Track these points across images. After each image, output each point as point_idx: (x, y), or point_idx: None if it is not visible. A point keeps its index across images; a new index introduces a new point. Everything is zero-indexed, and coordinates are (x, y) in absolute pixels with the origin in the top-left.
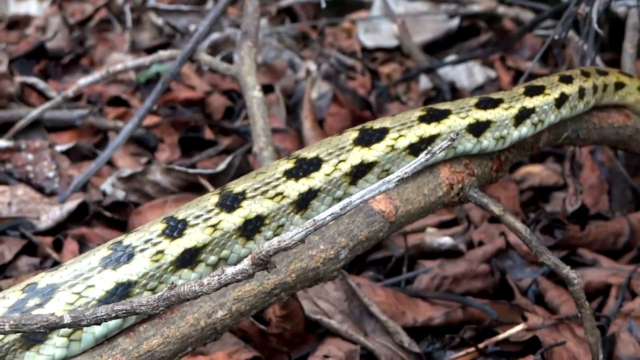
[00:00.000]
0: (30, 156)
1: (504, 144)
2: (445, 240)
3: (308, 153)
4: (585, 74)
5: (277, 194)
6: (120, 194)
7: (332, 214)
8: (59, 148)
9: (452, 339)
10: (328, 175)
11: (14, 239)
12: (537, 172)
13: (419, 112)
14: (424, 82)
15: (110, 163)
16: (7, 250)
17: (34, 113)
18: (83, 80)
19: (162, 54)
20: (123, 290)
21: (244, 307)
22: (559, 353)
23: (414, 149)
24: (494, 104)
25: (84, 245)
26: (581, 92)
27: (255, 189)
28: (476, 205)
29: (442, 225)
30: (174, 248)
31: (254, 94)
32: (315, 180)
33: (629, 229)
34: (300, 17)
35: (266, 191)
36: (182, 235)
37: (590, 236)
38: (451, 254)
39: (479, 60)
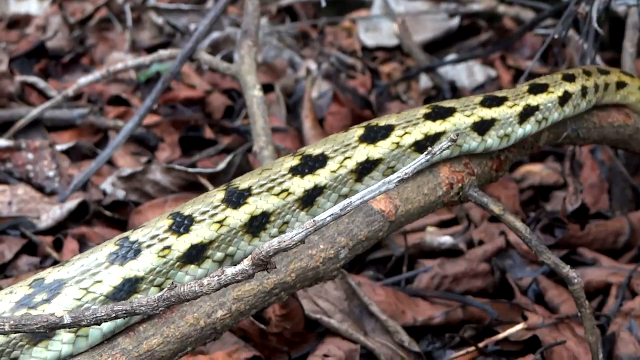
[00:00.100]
0: (30, 155)
1: (509, 142)
2: (445, 239)
3: (313, 150)
4: (587, 73)
5: (282, 191)
6: (121, 193)
7: (332, 214)
8: (59, 147)
9: (452, 338)
10: (334, 172)
11: (14, 238)
12: (537, 171)
13: (424, 110)
14: (424, 81)
15: (111, 162)
16: (7, 250)
17: (34, 112)
18: (83, 80)
19: (162, 53)
20: (130, 287)
21: (243, 307)
22: (559, 352)
23: (420, 146)
24: (499, 101)
25: (84, 245)
26: (584, 91)
27: (261, 186)
28: (476, 205)
29: (442, 225)
30: (181, 244)
31: (254, 93)
32: (321, 177)
33: (629, 228)
34: (300, 16)
35: (272, 188)
36: (188, 231)
37: (590, 235)
38: (451, 253)
39: (479, 59)
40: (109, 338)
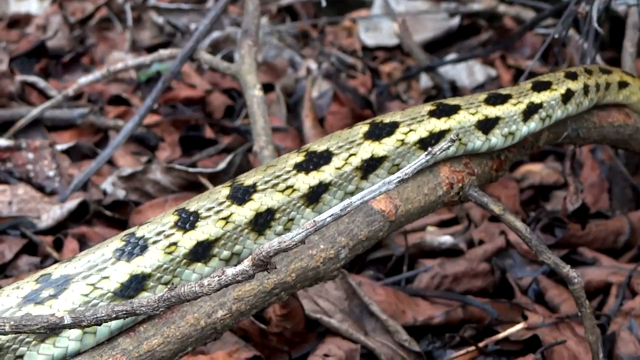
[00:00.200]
0: (30, 155)
1: (514, 140)
2: (445, 239)
3: (318, 146)
4: (589, 72)
5: (287, 187)
6: (121, 193)
7: (332, 214)
8: (59, 147)
9: (452, 337)
10: (338, 168)
11: (14, 238)
12: (537, 171)
13: (429, 107)
14: (425, 80)
15: (111, 162)
16: (8, 250)
17: (35, 112)
18: (83, 79)
19: (163, 52)
20: (138, 284)
21: (244, 307)
22: (559, 352)
23: (425, 144)
24: (503, 99)
25: (84, 245)
26: (586, 89)
27: (266, 182)
28: (476, 205)
29: (443, 224)
30: (187, 241)
31: (254, 93)
32: (326, 173)
33: (629, 227)
34: (300, 16)
35: (277, 184)
36: (194, 228)
37: (590, 235)
38: (451, 252)
39: (479, 58)
40: (110, 338)
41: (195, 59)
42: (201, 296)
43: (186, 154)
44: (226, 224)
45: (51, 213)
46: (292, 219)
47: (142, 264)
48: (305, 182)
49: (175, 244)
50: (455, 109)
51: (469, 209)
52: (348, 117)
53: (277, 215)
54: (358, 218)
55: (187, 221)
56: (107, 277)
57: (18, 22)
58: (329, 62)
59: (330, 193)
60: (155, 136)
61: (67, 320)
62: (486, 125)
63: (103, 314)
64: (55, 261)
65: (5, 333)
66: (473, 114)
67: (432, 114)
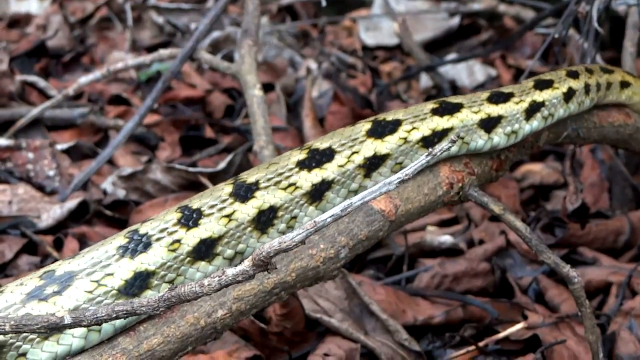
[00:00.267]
0: (30, 155)
1: (517, 139)
2: (445, 238)
3: (320, 144)
4: (589, 71)
5: (289, 185)
6: (121, 193)
7: (332, 215)
8: (59, 147)
9: (453, 337)
10: (341, 166)
11: (14, 237)
12: (537, 171)
13: (431, 105)
14: (425, 80)
15: (111, 162)
16: (8, 249)
17: (35, 112)
18: (84, 79)
19: (163, 52)
20: (142, 281)
21: (244, 306)
22: (559, 351)
23: (427, 142)
24: (505, 97)
25: (84, 244)
26: (587, 88)
27: (268, 180)
28: (476, 204)
29: (443, 224)
30: (190, 238)
31: (254, 93)
32: (328, 171)
33: (629, 227)
34: (300, 16)
35: (279, 182)
36: (197, 225)
37: (590, 234)
38: (451, 252)
39: (479, 58)
40: (110, 338)
41: (196, 58)
42: (201, 296)
43: (186, 154)
44: (229, 221)
45: (51, 213)
46: (295, 217)
47: (146, 261)
48: (307, 179)
49: (178, 241)
50: (457, 107)
51: (469, 209)
52: (348, 117)
53: (280, 213)
54: (358, 218)
55: (190, 218)
56: (111, 274)
57: (18, 21)
58: (329, 62)
59: (334, 191)
60: (155, 136)
61: (68, 320)
62: (489, 124)
63: (103, 314)
64: (56, 260)
65: (5, 333)
66: (476, 113)
67: (434, 112)
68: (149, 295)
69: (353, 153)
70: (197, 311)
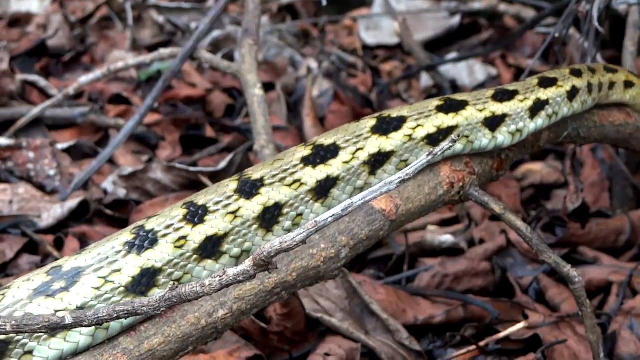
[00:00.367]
0: (31, 154)
1: (521, 137)
2: (446, 238)
3: (325, 140)
4: (592, 70)
5: (294, 181)
6: (121, 192)
7: (333, 215)
8: (60, 146)
9: (453, 337)
10: (346, 163)
11: (15, 237)
12: (538, 170)
13: (436, 102)
14: (425, 79)
15: (111, 161)
16: (9, 249)
17: (35, 111)
18: (84, 78)
19: (163, 51)
20: (149, 279)
21: (245, 306)
22: (560, 351)
23: (432, 140)
24: (510, 95)
25: (85, 244)
26: (589, 87)
27: (273, 176)
28: (477, 204)
29: (443, 223)
30: (196, 235)
31: (255, 92)
32: (333, 167)
33: (629, 226)
34: (301, 15)
35: (284, 178)
36: (203, 222)
37: (591, 234)
38: (452, 252)
39: (480, 58)
40: (111, 338)
41: (196, 58)
42: (202, 296)
43: (187, 153)
44: (234, 218)
45: (52, 212)
46: (300, 214)
47: (153, 257)
48: (312, 176)
49: (184, 237)
50: (463, 105)
51: (469, 208)
52: (349, 116)
53: (285, 210)
54: (359, 217)
55: (196, 215)
56: (118, 271)
57: (19, 21)
58: (329, 61)
59: (339, 188)
60: (155, 135)
61: (69, 320)
62: (493, 123)
63: (104, 314)
64: (56, 260)
65: (6, 333)
66: (481, 111)
67: (439, 109)
68: (157, 294)
69: (358, 149)
70: (198, 311)
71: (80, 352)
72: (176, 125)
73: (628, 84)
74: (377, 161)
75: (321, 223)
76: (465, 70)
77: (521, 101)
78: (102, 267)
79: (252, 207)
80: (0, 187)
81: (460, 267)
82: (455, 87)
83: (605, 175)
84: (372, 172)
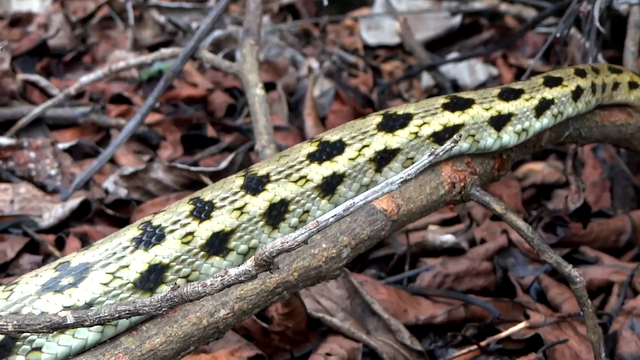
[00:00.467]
0: (32, 154)
1: (527, 136)
2: (447, 238)
3: (331, 136)
4: (595, 70)
5: (300, 178)
6: (123, 192)
7: (335, 215)
8: (61, 146)
9: (454, 336)
10: (352, 159)
11: (16, 237)
12: (539, 170)
13: (442, 100)
14: (426, 79)
15: (113, 161)
16: (10, 248)
17: (36, 111)
18: (85, 78)
19: (164, 51)
20: (157, 275)
21: (246, 306)
22: (561, 351)
23: (439, 138)
24: (516, 94)
25: (86, 243)
26: (593, 87)
27: (279, 172)
28: (478, 204)
29: (444, 223)
30: (203, 231)
31: (256, 92)
32: (339, 164)
33: (631, 226)
34: (302, 15)
35: (290, 174)
36: (209, 218)
37: (592, 234)
38: (453, 251)
39: (481, 57)
40: (112, 338)
41: (197, 57)
42: (204, 296)
43: (188, 153)
44: (241, 214)
45: (53, 212)
46: (307, 211)
47: (160, 253)
48: (318, 172)
49: (191, 233)
50: (469, 103)
51: (470, 208)
52: (350, 116)
53: (292, 207)
54: (360, 217)
55: (203, 211)
56: (126, 266)
57: (19, 20)
58: (330, 61)
59: (346, 185)
60: (157, 135)
61: (70, 320)
62: (499, 122)
63: (106, 314)
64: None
65: (7, 333)
66: (487, 109)
67: (445, 106)
68: (165, 291)
69: (364, 146)
70: (200, 311)
71: (89, 349)
72: (177, 125)
73: (633, 85)
74: (383, 158)
75: (323, 223)
76: (466, 70)
77: (527, 100)
78: (110, 263)
79: (258, 204)
80: (2, 187)
81: (461, 266)
82: (456, 87)
83: (607, 175)
84: (379, 170)
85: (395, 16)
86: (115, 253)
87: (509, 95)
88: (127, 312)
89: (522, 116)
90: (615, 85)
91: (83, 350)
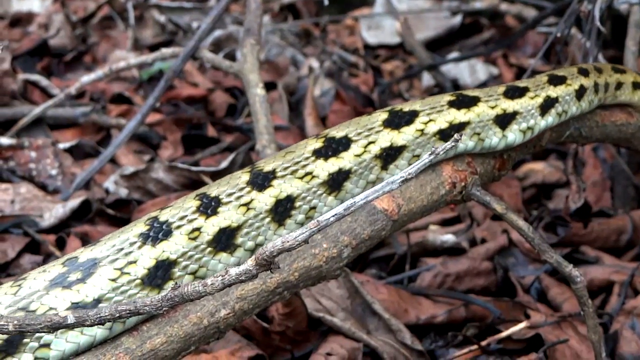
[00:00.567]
0: (33, 154)
1: (532, 134)
2: (447, 237)
3: (337, 132)
4: (598, 70)
5: (306, 174)
6: (123, 192)
7: (335, 214)
8: (61, 146)
9: (455, 336)
10: (358, 156)
11: (17, 236)
12: (539, 170)
13: (448, 97)
14: (427, 79)
15: (113, 161)
16: (10, 248)
17: (37, 110)
18: (86, 78)
19: (165, 51)
20: (164, 271)
21: (247, 306)
22: (561, 351)
23: (444, 135)
24: (521, 92)
25: (87, 243)
26: (596, 87)
27: (285, 168)
28: (478, 203)
29: (445, 223)
30: (210, 227)
31: (256, 92)
32: (345, 160)
33: (631, 226)
34: (302, 14)
35: (296, 170)
36: (216, 213)
37: (592, 233)
38: (454, 251)
39: (481, 57)
40: (113, 337)
41: (198, 57)
42: (205, 296)
43: (188, 153)
44: (247, 210)
45: (54, 212)
46: (314, 207)
47: (168, 249)
48: (324, 168)
49: (198, 229)
50: (474, 101)
51: (471, 208)
52: (350, 116)
53: (298, 204)
54: (361, 217)
55: (209, 206)
56: (133, 262)
57: (20, 20)
58: (331, 61)
59: (352, 182)
60: (157, 135)
61: (71, 319)
62: (504, 120)
63: (107, 314)
64: None
65: (8, 332)
66: (492, 107)
67: (451, 104)
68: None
69: (369, 143)
70: (200, 311)
71: (97, 345)
72: (178, 125)
73: (636, 85)
74: (389, 155)
75: (323, 223)
76: (467, 70)
77: (532, 98)
78: (117, 259)
79: (264, 200)
80: (2, 187)
81: (462, 266)
82: (457, 87)
83: (607, 174)
84: (384, 167)
85: (396, 16)
86: (122, 249)
87: (514, 93)
88: (128, 311)
89: (528, 114)
90: (619, 85)
91: (91, 346)
